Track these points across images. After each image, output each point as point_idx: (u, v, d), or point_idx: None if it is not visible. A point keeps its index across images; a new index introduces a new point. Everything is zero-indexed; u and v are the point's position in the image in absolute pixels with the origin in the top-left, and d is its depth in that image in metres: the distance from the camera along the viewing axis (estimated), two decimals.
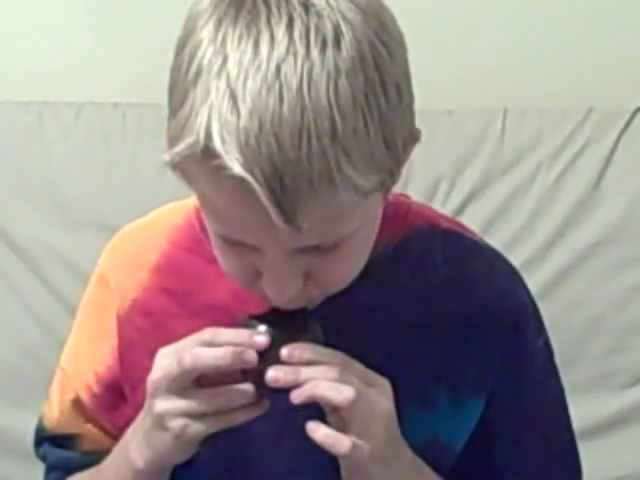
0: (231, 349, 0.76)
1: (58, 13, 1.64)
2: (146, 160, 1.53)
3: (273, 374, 0.75)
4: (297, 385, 0.75)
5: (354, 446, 0.76)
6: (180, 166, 0.71)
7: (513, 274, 0.93)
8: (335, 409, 0.77)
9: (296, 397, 0.75)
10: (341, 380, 0.75)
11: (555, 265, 1.54)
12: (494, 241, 0.96)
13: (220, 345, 0.77)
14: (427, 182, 1.53)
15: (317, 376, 0.75)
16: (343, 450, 0.75)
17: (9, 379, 1.54)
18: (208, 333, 0.78)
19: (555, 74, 1.64)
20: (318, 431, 0.76)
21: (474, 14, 1.64)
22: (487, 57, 1.64)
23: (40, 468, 1.01)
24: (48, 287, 1.53)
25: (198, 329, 0.79)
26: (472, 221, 1.02)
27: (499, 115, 1.57)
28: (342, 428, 0.76)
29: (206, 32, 0.69)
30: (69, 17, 1.64)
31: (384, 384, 0.79)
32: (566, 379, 0.96)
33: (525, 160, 1.56)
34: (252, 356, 0.76)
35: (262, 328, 0.77)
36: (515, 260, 0.96)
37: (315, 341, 0.78)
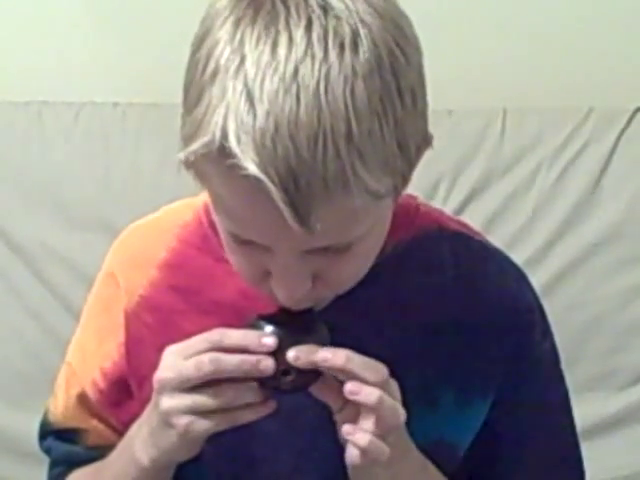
0: (250, 358, 0.76)
1: (58, 13, 1.64)
2: (146, 160, 1.53)
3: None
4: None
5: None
6: (194, 165, 0.71)
7: (520, 276, 0.94)
8: (343, 407, 0.77)
9: (352, 394, 0.75)
10: (386, 382, 0.76)
11: (555, 265, 1.54)
12: (494, 241, 0.96)
13: (229, 346, 0.77)
14: (427, 182, 1.54)
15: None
16: (384, 458, 0.76)
17: (9, 379, 1.54)
18: (216, 334, 0.78)
19: (555, 74, 1.64)
20: (361, 437, 0.75)
21: (474, 14, 1.64)
22: (487, 57, 1.64)
23: (40, 468, 1.01)
24: (48, 287, 1.53)
25: (206, 326, 0.79)
26: (472, 221, 1.02)
27: (499, 115, 1.57)
28: (353, 421, 0.77)
29: (224, 32, 0.69)
30: (69, 17, 1.64)
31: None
32: (566, 379, 0.96)
33: (525, 160, 1.56)
34: (269, 366, 0.76)
35: (269, 329, 0.77)
36: (515, 260, 0.96)
37: (321, 342, 0.78)
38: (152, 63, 1.59)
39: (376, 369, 0.76)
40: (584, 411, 1.38)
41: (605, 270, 1.55)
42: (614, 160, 1.56)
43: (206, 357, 0.77)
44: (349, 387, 0.75)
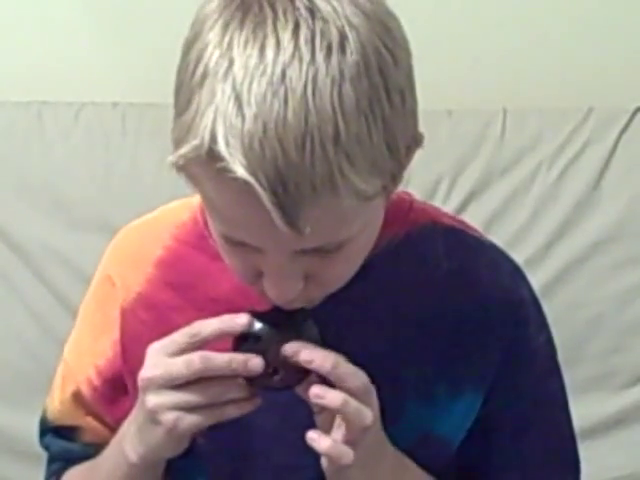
0: (239, 357, 0.77)
1: (58, 13, 1.64)
2: (146, 160, 1.53)
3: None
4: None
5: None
6: (184, 168, 0.72)
7: (515, 271, 0.94)
8: (323, 409, 0.78)
9: (316, 397, 0.76)
10: (368, 388, 0.77)
11: (555, 265, 1.54)
12: (494, 241, 0.97)
13: (208, 336, 0.78)
14: (427, 182, 1.53)
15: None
16: (347, 462, 0.77)
17: (9, 379, 1.54)
18: (195, 326, 0.79)
19: (555, 74, 1.64)
20: (322, 442, 0.77)
21: (474, 14, 1.64)
22: (487, 57, 1.64)
23: (39, 468, 1.02)
24: (48, 287, 1.53)
25: None
26: (472, 221, 1.03)
27: (499, 115, 1.57)
28: (327, 429, 0.78)
29: (213, 35, 0.69)
30: (69, 17, 1.64)
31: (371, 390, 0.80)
32: (566, 379, 0.97)
33: (525, 160, 1.56)
34: (258, 364, 0.77)
35: (258, 326, 0.78)
36: (514, 259, 0.96)
37: (311, 341, 0.79)
38: (152, 63, 1.58)
39: (358, 376, 0.77)
40: (584, 411, 1.38)
41: (605, 270, 1.55)
42: (614, 160, 1.56)
43: (196, 355, 0.78)
44: (314, 391, 0.76)
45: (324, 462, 0.79)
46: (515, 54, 1.64)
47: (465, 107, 1.58)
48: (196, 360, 0.77)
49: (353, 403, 0.76)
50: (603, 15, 1.64)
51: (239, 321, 0.78)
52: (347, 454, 0.77)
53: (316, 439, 0.77)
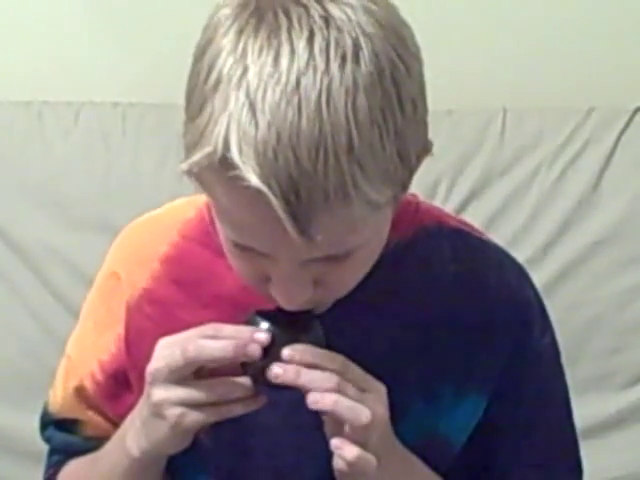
0: (235, 342, 0.77)
1: (58, 13, 1.64)
2: (146, 160, 1.53)
3: (276, 370, 0.76)
4: (295, 384, 0.77)
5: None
6: (196, 175, 0.72)
7: (520, 272, 0.94)
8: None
9: (313, 403, 0.76)
10: (338, 389, 0.77)
11: (555, 265, 1.54)
12: (495, 241, 0.97)
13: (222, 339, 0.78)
14: (427, 182, 1.54)
15: (316, 380, 0.76)
16: (371, 469, 0.77)
17: (9, 379, 1.54)
18: (210, 328, 0.79)
19: (555, 74, 1.64)
20: (348, 450, 0.77)
21: (474, 14, 1.64)
22: (487, 57, 1.64)
23: (40, 468, 1.02)
24: (48, 287, 1.53)
25: (205, 319, 0.81)
26: (472, 221, 1.03)
27: (499, 115, 1.57)
28: (339, 431, 0.78)
29: (226, 41, 0.69)
30: (69, 17, 1.64)
31: (380, 389, 0.80)
32: (567, 378, 0.96)
33: (525, 160, 1.56)
34: (255, 350, 0.77)
35: (264, 326, 0.78)
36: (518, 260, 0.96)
37: (316, 342, 0.79)
38: (152, 63, 1.59)
39: (332, 359, 0.77)
40: (584, 411, 1.38)
41: (605, 270, 1.55)
42: (614, 160, 1.56)
43: (190, 344, 0.78)
44: (310, 399, 0.76)
45: (339, 463, 0.78)
46: (515, 54, 1.64)
47: (465, 107, 1.58)
48: (190, 348, 0.78)
49: (345, 401, 0.76)
50: (603, 15, 1.64)
51: (259, 338, 0.77)
52: (372, 461, 0.77)
53: (341, 447, 0.77)
